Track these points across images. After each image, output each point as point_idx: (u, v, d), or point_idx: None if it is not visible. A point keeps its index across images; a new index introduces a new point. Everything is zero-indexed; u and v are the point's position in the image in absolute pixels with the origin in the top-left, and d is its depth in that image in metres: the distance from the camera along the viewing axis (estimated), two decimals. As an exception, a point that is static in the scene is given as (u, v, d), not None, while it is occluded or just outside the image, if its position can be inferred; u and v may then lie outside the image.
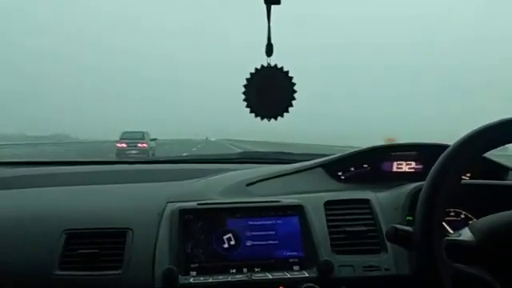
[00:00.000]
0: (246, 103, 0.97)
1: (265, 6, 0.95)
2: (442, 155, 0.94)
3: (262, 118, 0.98)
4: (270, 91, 0.97)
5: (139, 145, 20.37)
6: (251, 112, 0.97)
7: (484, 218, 1.03)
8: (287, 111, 0.99)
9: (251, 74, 0.96)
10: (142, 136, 21.56)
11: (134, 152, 19.46)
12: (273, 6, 0.95)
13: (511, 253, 0.94)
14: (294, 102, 0.98)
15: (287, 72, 0.97)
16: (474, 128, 0.94)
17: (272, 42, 0.97)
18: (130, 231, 1.28)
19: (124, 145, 20.25)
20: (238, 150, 4.86)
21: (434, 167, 0.94)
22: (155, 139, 22.88)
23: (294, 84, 0.98)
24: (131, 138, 20.93)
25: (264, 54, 0.97)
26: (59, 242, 1.24)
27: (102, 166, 1.90)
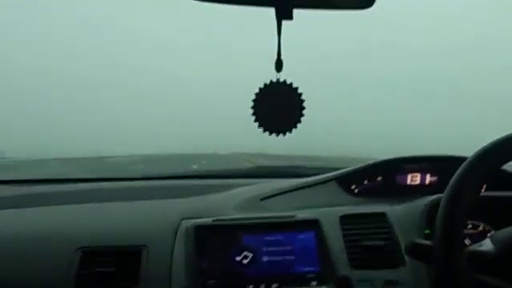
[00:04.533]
0: (254, 117, 0.98)
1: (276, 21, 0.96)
2: (460, 169, 0.93)
3: (271, 133, 0.98)
4: (278, 107, 0.98)
5: None
6: (259, 127, 0.98)
7: (506, 228, 1.00)
8: (295, 127, 0.99)
9: (260, 89, 0.97)
10: None
11: None
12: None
13: None
14: (302, 119, 0.99)
15: (296, 88, 0.98)
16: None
17: (282, 58, 0.98)
18: (146, 248, 1.28)
19: None
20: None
21: (451, 181, 0.93)
22: None
23: (302, 100, 0.99)
24: None
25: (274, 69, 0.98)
26: (74, 260, 1.24)
27: (113, 183, 1.90)
